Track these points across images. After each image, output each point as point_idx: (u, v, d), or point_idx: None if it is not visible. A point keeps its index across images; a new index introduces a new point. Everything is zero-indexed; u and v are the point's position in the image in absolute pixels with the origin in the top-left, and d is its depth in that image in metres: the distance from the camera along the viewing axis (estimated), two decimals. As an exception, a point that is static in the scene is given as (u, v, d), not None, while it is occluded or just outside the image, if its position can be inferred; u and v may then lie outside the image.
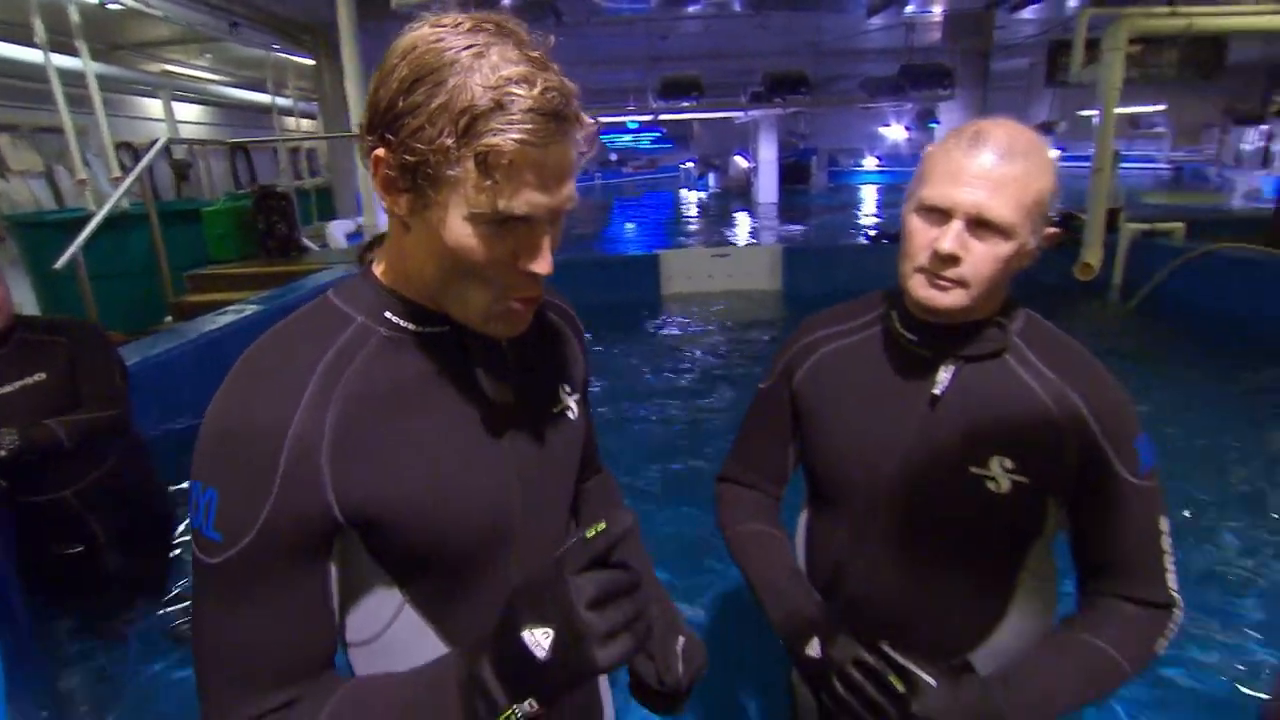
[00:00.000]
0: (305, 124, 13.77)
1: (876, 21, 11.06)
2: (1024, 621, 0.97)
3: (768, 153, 18.26)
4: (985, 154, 0.82)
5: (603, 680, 0.95)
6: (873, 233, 8.83)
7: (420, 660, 0.67)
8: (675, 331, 6.32)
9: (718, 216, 16.28)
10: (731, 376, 4.88)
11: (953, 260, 0.84)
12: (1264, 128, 16.02)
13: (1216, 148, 19.43)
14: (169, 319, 5.24)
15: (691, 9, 9.38)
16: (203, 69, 12.21)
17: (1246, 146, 16.95)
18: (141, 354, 3.31)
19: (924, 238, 0.87)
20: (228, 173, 12.37)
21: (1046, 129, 20.94)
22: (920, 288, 0.88)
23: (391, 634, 0.71)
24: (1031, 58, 16.02)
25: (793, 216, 15.23)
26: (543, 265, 0.62)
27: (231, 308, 4.32)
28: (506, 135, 0.55)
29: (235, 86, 12.49)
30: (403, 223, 0.63)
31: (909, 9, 10.40)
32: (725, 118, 16.88)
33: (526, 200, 0.58)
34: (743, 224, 14.54)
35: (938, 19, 12.20)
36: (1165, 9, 5.97)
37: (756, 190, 18.65)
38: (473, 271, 0.62)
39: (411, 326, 0.67)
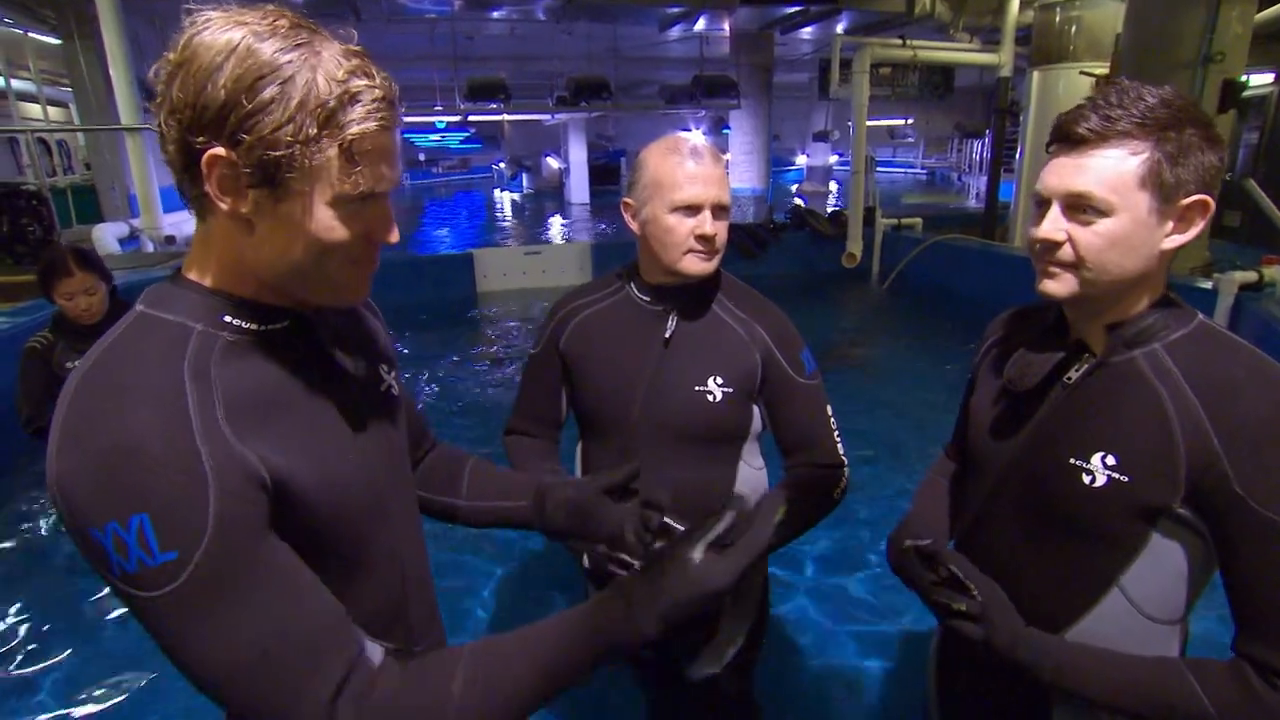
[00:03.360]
0: (54, 112, 12.01)
1: (673, 32, 11.83)
2: (749, 491, 1.33)
3: (578, 154, 18.76)
4: (705, 161, 1.17)
5: None
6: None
7: None
8: (492, 325, 6.54)
9: (533, 217, 16.49)
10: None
11: (713, 239, 1.18)
12: (987, 140, 19.23)
13: (956, 156, 23.00)
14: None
15: (495, 14, 9.50)
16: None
17: (975, 156, 20.24)
18: None
19: (686, 228, 1.17)
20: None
21: (823, 137, 23.47)
22: (694, 264, 1.19)
23: None
24: (810, 73, 17.91)
25: (604, 215, 15.81)
26: (394, 235, 0.68)
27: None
28: (367, 124, 0.60)
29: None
30: (246, 222, 0.62)
31: (699, 25, 11.25)
32: (535, 119, 17.08)
33: (384, 178, 0.64)
34: (556, 224, 14.87)
35: (727, 34, 13.30)
36: (898, 41, 7.18)
37: (569, 190, 19.07)
38: (334, 250, 0.64)
39: (253, 326, 0.66)
